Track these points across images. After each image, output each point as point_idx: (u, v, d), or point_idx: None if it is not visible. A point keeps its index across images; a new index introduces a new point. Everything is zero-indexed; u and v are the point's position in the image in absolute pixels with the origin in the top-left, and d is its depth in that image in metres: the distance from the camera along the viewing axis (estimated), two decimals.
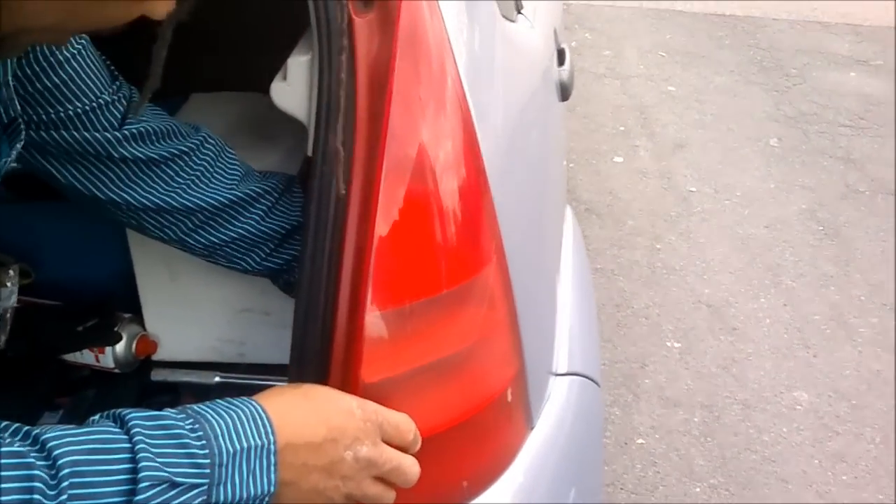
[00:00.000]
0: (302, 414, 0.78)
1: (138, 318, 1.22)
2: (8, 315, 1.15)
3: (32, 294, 1.24)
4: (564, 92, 1.47)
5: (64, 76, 0.88)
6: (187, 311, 1.20)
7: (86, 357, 1.20)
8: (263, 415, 0.75)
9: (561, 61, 1.55)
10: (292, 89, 0.95)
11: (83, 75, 0.90)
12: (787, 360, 2.66)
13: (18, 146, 0.78)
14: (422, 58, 0.94)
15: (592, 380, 1.33)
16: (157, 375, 1.20)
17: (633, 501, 2.20)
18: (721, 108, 4.08)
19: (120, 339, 1.18)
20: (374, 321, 0.88)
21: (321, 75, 0.90)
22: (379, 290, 0.88)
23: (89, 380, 1.25)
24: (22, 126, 0.78)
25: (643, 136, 3.83)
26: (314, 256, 0.90)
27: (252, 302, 1.20)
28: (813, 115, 4.06)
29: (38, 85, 0.87)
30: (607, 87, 4.25)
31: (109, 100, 0.93)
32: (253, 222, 1.03)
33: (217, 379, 1.19)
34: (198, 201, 0.99)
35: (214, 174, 1.01)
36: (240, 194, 1.02)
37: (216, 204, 1.00)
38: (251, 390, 1.19)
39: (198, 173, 1.00)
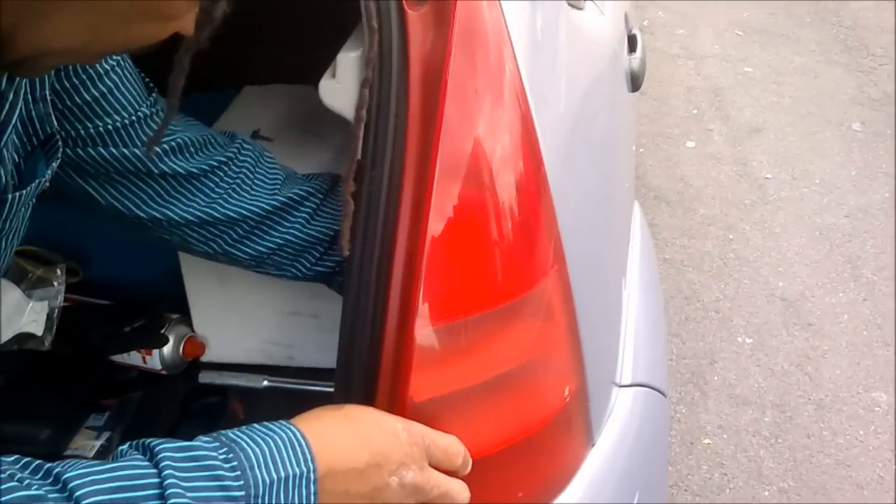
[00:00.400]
0: (343, 438, 0.75)
1: (186, 318, 1.20)
2: (55, 314, 1.13)
3: (80, 293, 1.23)
4: (635, 82, 1.39)
5: (103, 89, 0.85)
6: (235, 312, 1.17)
7: (133, 358, 1.18)
8: (303, 440, 0.71)
9: (632, 48, 1.47)
10: (342, 87, 0.90)
11: (121, 89, 0.87)
12: (865, 358, 2.54)
13: (55, 164, 0.75)
14: (478, 50, 0.88)
15: (659, 390, 1.26)
16: (205, 378, 1.17)
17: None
18: (801, 90, 3.92)
19: (167, 341, 1.16)
20: (424, 337, 0.83)
21: (371, 73, 0.85)
22: (430, 304, 0.83)
23: (136, 381, 1.23)
24: (59, 143, 0.75)
25: (717, 120, 3.70)
26: (362, 266, 0.85)
27: (300, 305, 1.16)
28: None
29: (76, 99, 0.84)
30: (680, 67, 4.12)
31: (148, 113, 0.90)
32: (298, 226, 0.99)
33: (265, 383, 1.16)
34: (241, 210, 0.96)
35: (255, 181, 0.98)
36: (282, 199, 0.98)
37: (259, 212, 0.97)
38: (300, 395, 1.17)
39: (238, 181, 0.97)
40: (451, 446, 0.81)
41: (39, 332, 1.13)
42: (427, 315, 0.82)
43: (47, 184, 0.76)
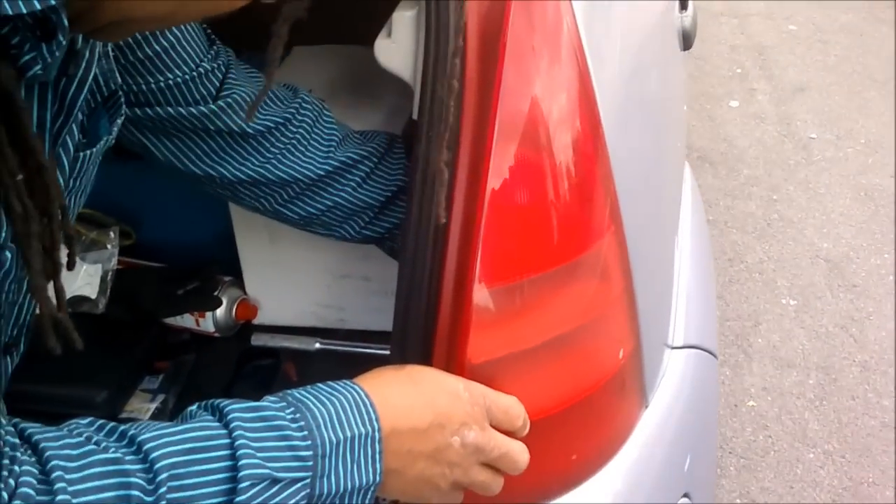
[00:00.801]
0: (406, 398, 0.75)
1: (238, 281, 1.20)
2: (109, 277, 1.13)
3: (133, 255, 1.23)
4: (687, 40, 1.36)
5: (165, 44, 0.85)
6: (287, 275, 1.18)
7: (186, 321, 1.19)
8: (367, 400, 0.71)
9: (683, 6, 1.44)
10: (397, 46, 0.89)
11: (183, 42, 0.86)
12: None
13: (119, 121, 0.75)
14: (536, 7, 0.87)
15: (710, 352, 1.25)
16: (258, 340, 1.18)
17: (742, 466, 2.11)
18: (846, 49, 3.85)
19: (220, 303, 1.17)
20: (482, 299, 0.82)
21: (428, 32, 0.84)
22: (488, 265, 0.82)
23: (189, 344, 1.24)
24: (122, 100, 0.75)
25: (761, 79, 3.64)
26: (419, 228, 0.84)
27: (352, 267, 1.16)
28: None
29: (139, 53, 0.84)
30: (724, 25, 4.05)
31: (209, 67, 0.89)
32: (350, 189, 0.99)
33: (317, 345, 1.16)
34: (293, 172, 0.95)
35: (311, 141, 0.97)
36: (336, 162, 0.97)
37: (311, 175, 0.96)
38: (352, 357, 1.17)
39: (294, 141, 0.96)
40: (512, 407, 0.80)
41: (93, 295, 1.14)
42: (485, 276, 0.82)
43: (113, 141, 0.76)
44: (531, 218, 0.84)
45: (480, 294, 0.82)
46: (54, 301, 0.59)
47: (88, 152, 0.71)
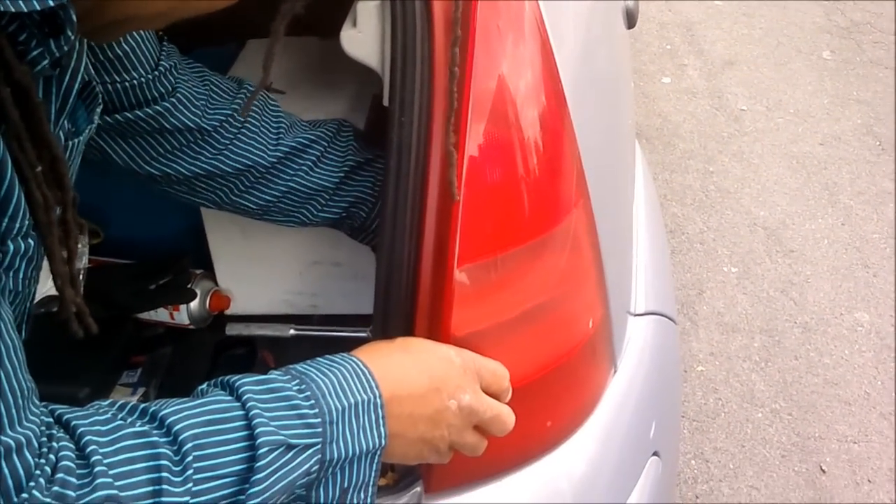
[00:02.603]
0: (402, 365, 0.78)
1: (210, 273, 1.21)
2: (80, 276, 1.14)
3: (102, 254, 1.24)
4: (631, 19, 1.41)
5: (126, 48, 0.88)
6: (258, 265, 1.19)
7: (160, 315, 1.20)
8: (365, 369, 0.74)
9: None
10: (363, 36, 0.92)
11: (143, 46, 0.89)
12: (846, 280, 2.61)
13: (98, 110, 0.77)
14: None
15: (669, 317, 1.30)
16: (232, 330, 1.19)
17: (695, 428, 2.19)
18: (770, 22, 3.96)
19: (195, 296, 1.18)
20: (462, 274, 0.86)
21: (394, 20, 0.86)
22: (467, 242, 0.85)
23: (164, 337, 1.25)
24: (98, 90, 0.76)
25: (691, 55, 3.73)
26: (395, 209, 0.87)
27: (322, 254, 1.18)
28: (866, 24, 3.92)
29: (108, 53, 0.86)
30: (651, 4, 4.13)
31: (167, 66, 0.92)
32: (303, 174, 1.01)
33: (292, 332, 1.18)
34: (245, 161, 0.98)
35: (260, 129, 0.99)
36: (286, 147, 1.00)
37: (264, 162, 0.99)
38: (327, 342, 1.20)
39: (245, 130, 0.98)
40: (498, 369, 0.84)
41: None
42: (465, 253, 0.85)
43: (94, 129, 0.78)
44: (507, 194, 0.87)
45: (461, 270, 0.85)
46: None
47: (76, 140, 0.73)
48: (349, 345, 1.17)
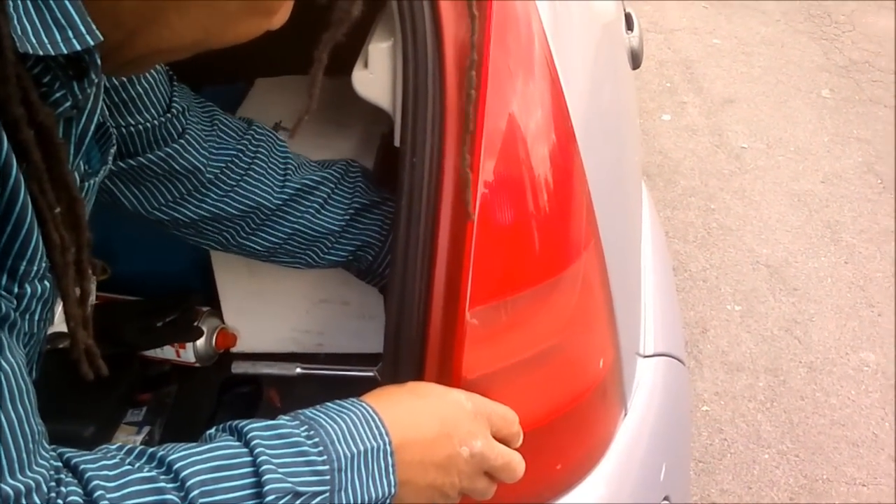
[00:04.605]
0: (412, 411, 0.77)
1: (216, 311, 1.21)
2: (88, 313, 1.13)
3: (109, 290, 1.23)
4: (635, 59, 1.42)
5: (139, 89, 0.88)
6: (265, 302, 1.19)
7: (166, 352, 1.19)
8: (375, 415, 0.73)
9: (629, 26, 1.50)
10: (375, 77, 0.92)
11: (156, 89, 0.90)
12: (850, 319, 2.60)
13: (112, 151, 0.76)
14: (510, 31, 0.90)
15: (678, 359, 1.30)
16: (238, 368, 1.19)
17: (701, 469, 2.17)
18: (769, 60, 3.98)
19: (201, 334, 1.17)
20: (474, 316, 0.85)
21: (405, 62, 0.87)
22: (479, 284, 0.85)
23: (169, 375, 1.24)
24: (112, 132, 0.76)
25: (690, 92, 3.75)
26: (406, 250, 0.87)
27: (330, 292, 1.18)
28: (864, 63, 3.95)
29: (123, 95, 0.87)
30: (650, 41, 4.15)
31: (179, 108, 0.92)
32: (310, 216, 1.01)
33: (298, 370, 1.17)
34: (251, 203, 0.98)
35: (267, 170, 0.99)
36: (291, 190, 1.00)
37: (269, 204, 0.99)
38: (333, 381, 1.19)
39: (251, 171, 0.98)
40: (508, 414, 0.83)
41: None
42: (477, 295, 0.84)
43: (108, 170, 0.78)
44: (519, 236, 0.87)
45: (473, 312, 0.84)
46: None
47: (92, 181, 0.73)
48: (355, 384, 1.16)
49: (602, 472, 1.02)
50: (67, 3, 0.54)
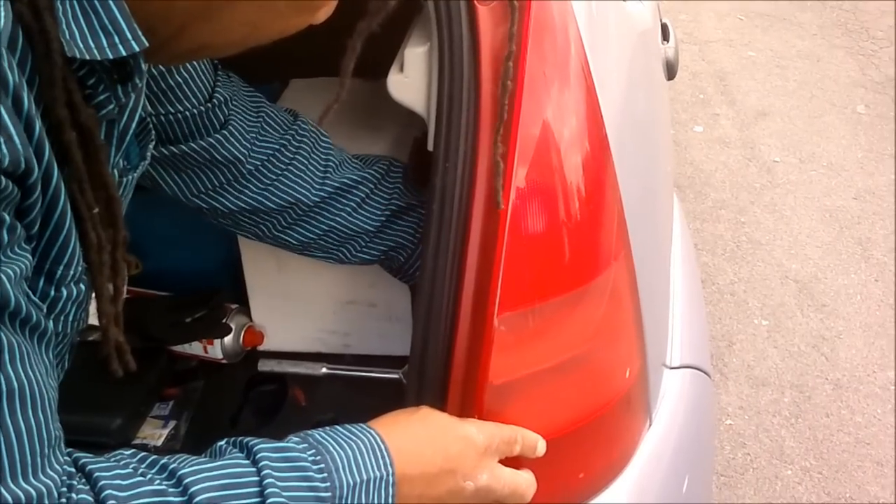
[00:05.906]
0: (419, 444, 0.78)
1: (245, 308, 1.22)
2: (120, 310, 1.14)
3: (140, 285, 1.24)
4: (671, 70, 1.42)
5: (179, 78, 0.89)
6: (294, 302, 1.19)
7: (194, 348, 1.20)
8: (382, 445, 0.74)
9: (665, 37, 1.49)
10: (410, 81, 0.92)
11: (197, 77, 0.90)
12: (879, 338, 2.57)
13: (150, 146, 0.77)
14: (547, 38, 0.90)
15: (704, 371, 1.29)
16: (265, 366, 1.20)
17: (723, 483, 2.15)
18: (804, 74, 3.95)
19: (229, 331, 1.18)
20: (502, 322, 0.85)
21: (441, 67, 0.87)
22: (509, 290, 0.85)
23: (196, 370, 1.25)
24: (151, 127, 0.77)
25: (724, 104, 3.73)
26: (437, 255, 0.87)
27: (358, 293, 1.19)
28: None
29: (162, 84, 0.87)
30: (685, 52, 4.12)
31: (222, 98, 0.93)
32: (346, 214, 1.02)
33: (324, 370, 1.18)
34: (290, 198, 0.99)
35: (308, 166, 1.00)
36: (331, 188, 1.01)
37: (308, 200, 0.99)
38: (358, 382, 1.19)
39: (291, 166, 0.99)
40: (525, 436, 0.84)
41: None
42: (506, 301, 0.85)
43: (147, 165, 0.78)
44: (549, 243, 0.87)
45: (501, 318, 0.85)
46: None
47: (130, 177, 0.74)
48: (379, 386, 1.17)
49: (625, 482, 1.02)
50: (115, 8, 0.55)
